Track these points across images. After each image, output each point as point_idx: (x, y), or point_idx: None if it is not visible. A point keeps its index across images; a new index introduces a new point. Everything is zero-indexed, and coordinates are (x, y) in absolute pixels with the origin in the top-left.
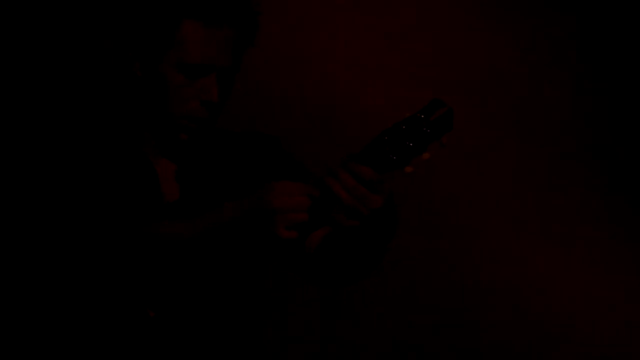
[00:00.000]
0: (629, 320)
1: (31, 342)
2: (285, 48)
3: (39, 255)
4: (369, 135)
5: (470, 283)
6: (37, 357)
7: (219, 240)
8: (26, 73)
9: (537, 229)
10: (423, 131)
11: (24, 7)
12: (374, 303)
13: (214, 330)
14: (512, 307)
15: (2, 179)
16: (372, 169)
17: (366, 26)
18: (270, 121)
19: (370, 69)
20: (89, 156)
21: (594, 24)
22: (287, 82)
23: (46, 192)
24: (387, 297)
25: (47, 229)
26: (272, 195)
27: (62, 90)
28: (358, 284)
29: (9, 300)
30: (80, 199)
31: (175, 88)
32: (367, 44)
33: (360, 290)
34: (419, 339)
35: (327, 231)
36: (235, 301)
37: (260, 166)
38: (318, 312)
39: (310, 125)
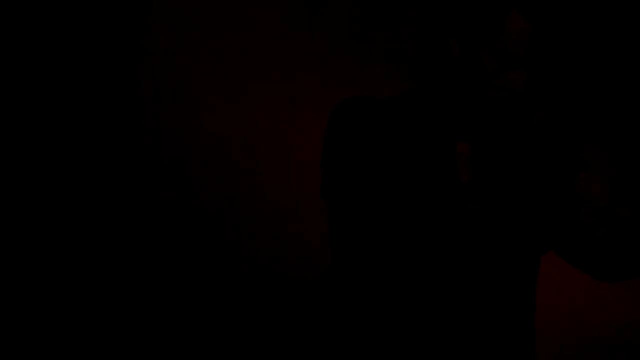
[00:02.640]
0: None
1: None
2: None
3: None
4: None
5: None
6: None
7: (521, 224)
8: None
9: None
10: None
11: None
12: None
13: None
14: None
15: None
16: None
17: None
18: None
19: None
20: (397, 131)
21: None
22: None
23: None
24: None
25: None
26: (581, 183)
27: None
28: None
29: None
30: (386, 176)
31: (487, 74)
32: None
33: None
34: None
35: (613, 222)
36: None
37: (551, 159)
38: None
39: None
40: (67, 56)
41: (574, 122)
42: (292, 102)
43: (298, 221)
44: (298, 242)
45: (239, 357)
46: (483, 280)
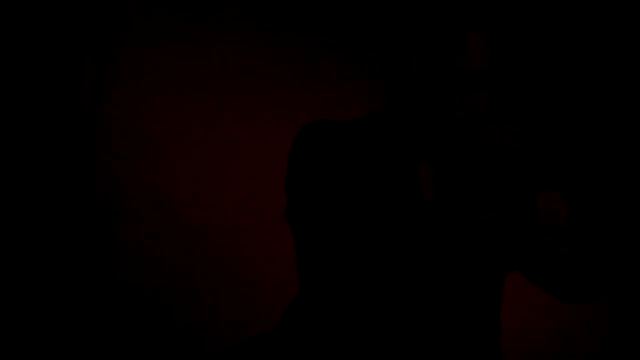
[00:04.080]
0: None
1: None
2: None
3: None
4: None
5: None
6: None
7: (480, 242)
8: None
9: None
10: None
11: None
12: None
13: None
14: None
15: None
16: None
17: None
18: None
19: None
20: (359, 152)
21: None
22: None
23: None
24: None
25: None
26: (538, 200)
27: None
28: None
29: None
30: (348, 197)
31: (446, 93)
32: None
33: None
34: None
35: (575, 241)
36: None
37: (514, 179)
38: None
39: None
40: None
41: (536, 140)
42: (253, 125)
43: (266, 243)
44: (268, 267)
45: None
46: (447, 299)
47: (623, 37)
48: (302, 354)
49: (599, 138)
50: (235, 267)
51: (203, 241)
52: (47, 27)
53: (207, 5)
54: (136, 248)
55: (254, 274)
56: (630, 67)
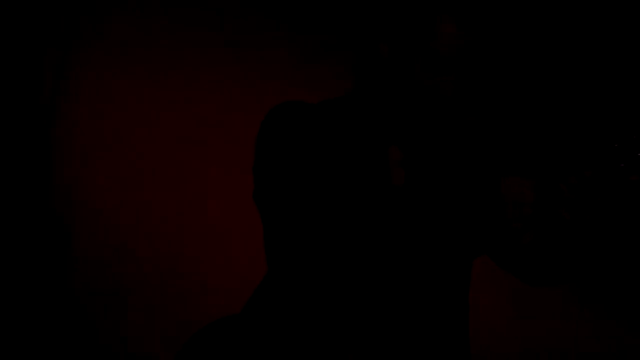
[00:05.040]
0: None
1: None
2: None
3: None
4: None
5: None
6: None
7: (447, 227)
8: None
9: None
10: None
11: None
12: None
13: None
14: None
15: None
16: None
17: None
18: None
19: None
20: (330, 138)
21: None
22: None
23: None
24: None
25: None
26: (505, 187)
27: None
28: None
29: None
30: (318, 179)
31: (415, 78)
32: None
33: None
34: None
35: (540, 228)
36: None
37: (484, 163)
38: None
39: None
40: None
41: (502, 125)
42: (225, 105)
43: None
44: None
45: None
46: (415, 282)
47: (592, 21)
48: (268, 334)
49: (569, 124)
50: (205, 267)
51: (168, 240)
52: (6, 23)
53: (179, 3)
54: (92, 250)
55: (219, 276)
56: (601, 52)
